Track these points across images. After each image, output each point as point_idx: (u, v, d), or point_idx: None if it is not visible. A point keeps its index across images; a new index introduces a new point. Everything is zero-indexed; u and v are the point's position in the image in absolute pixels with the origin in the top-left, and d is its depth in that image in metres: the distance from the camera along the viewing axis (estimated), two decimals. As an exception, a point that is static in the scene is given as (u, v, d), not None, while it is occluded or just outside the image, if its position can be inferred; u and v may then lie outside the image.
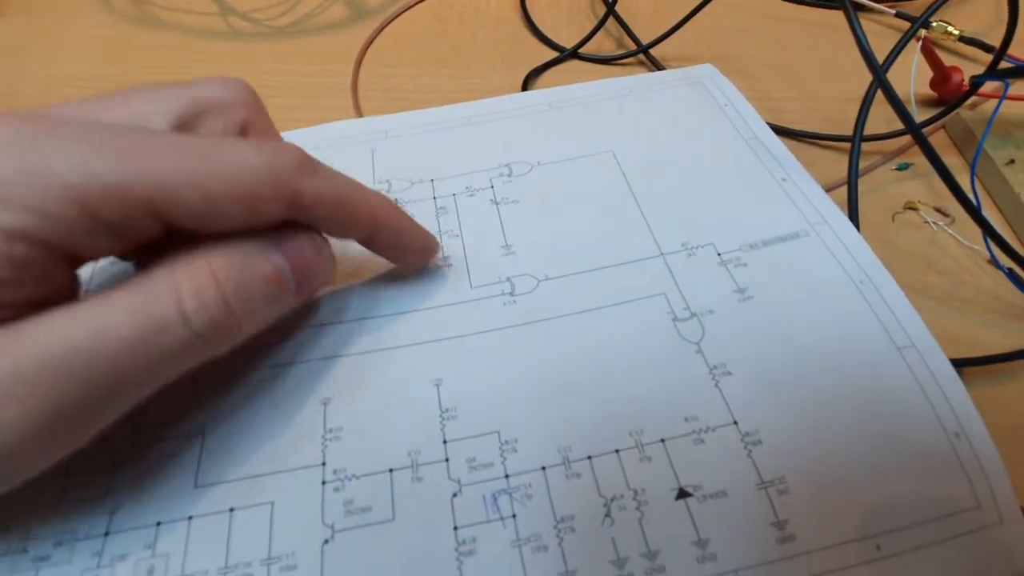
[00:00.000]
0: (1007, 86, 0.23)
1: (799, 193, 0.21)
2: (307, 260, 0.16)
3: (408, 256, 0.19)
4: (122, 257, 0.14)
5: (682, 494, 0.15)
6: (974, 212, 0.20)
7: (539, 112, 0.26)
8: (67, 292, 0.14)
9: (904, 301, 0.19)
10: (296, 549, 0.15)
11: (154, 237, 0.14)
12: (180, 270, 0.13)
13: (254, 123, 0.16)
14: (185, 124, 0.15)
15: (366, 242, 0.18)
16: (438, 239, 0.21)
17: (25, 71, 0.33)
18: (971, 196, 0.23)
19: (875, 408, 0.17)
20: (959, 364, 0.21)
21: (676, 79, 0.27)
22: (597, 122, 0.25)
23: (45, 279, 0.13)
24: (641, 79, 0.28)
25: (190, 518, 0.16)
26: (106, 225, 0.12)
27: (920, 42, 0.27)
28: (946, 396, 0.17)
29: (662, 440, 0.16)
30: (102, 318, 0.12)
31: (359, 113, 0.30)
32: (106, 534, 0.15)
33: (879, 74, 0.19)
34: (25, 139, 0.12)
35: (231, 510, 0.16)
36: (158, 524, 0.15)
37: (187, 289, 0.13)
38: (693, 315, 0.19)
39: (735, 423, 0.16)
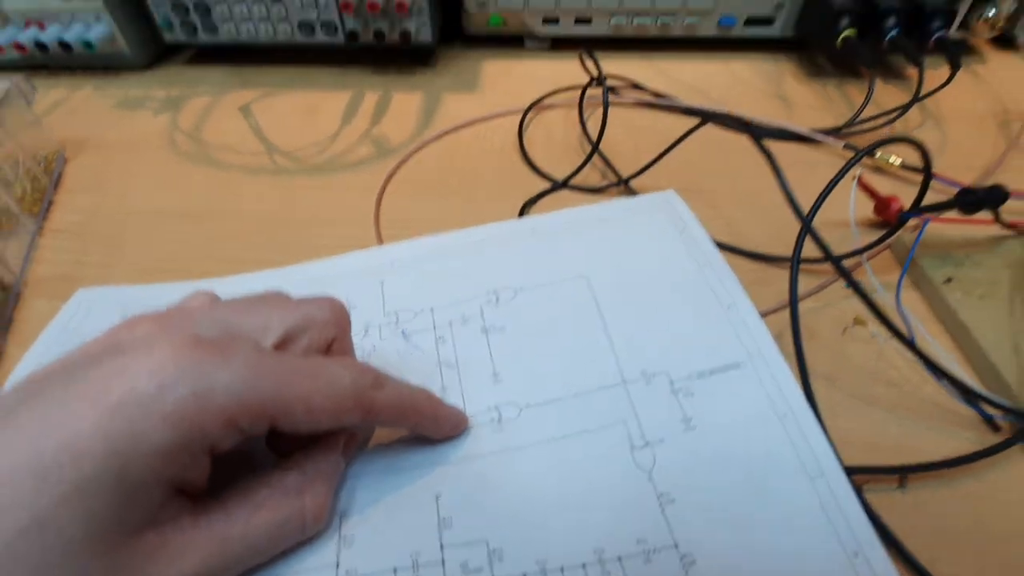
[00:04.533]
0: (925, 223, 0.27)
1: (741, 322, 0.25)
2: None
3: (443, 435, 0.23)
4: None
5: None
6: (899, 335, 0.23)
7: (523, 238, 0.31)
8: (205, 469, 0.18)
9: (819, 434, 0.22)
10: None
11: (259, 435, 0.18)
12: (308, 500, 0.19)
13: (338, 340, 0.21)
14: (291, 334, 0.20)
15: (412, 429, 0.22)
16: (439, 372, 0.25)
17: (101, 204, 0.39)
18: (899, 318, 0.26)
19: (788, 531, 0.20)
20: (904, 471, 0.23)
21: (642, 205, 0.32)
22: (573, 248, 0.30)
23: (194, 467, 0.17)
24: (611, 206, 0.32)
25: None
26: (239, 430, 0.17)
27: (856, 180, 0.31)
28: (848, 520, 0.20)
29: (619, 558, 0.20)
30: (251, 538, 0.18)
31: (380, 240, 0.35)
32: None
33: (805, 222, 0.24)
34: (197, 366, 0.16)
35: None
36: None
37: (310, 515, 0.19)
38: (647, 444, 0.22)
39: (675, 546, 0.20)
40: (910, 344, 0.23)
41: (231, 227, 0.36)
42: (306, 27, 0.47)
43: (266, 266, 0.32)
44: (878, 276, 0.31)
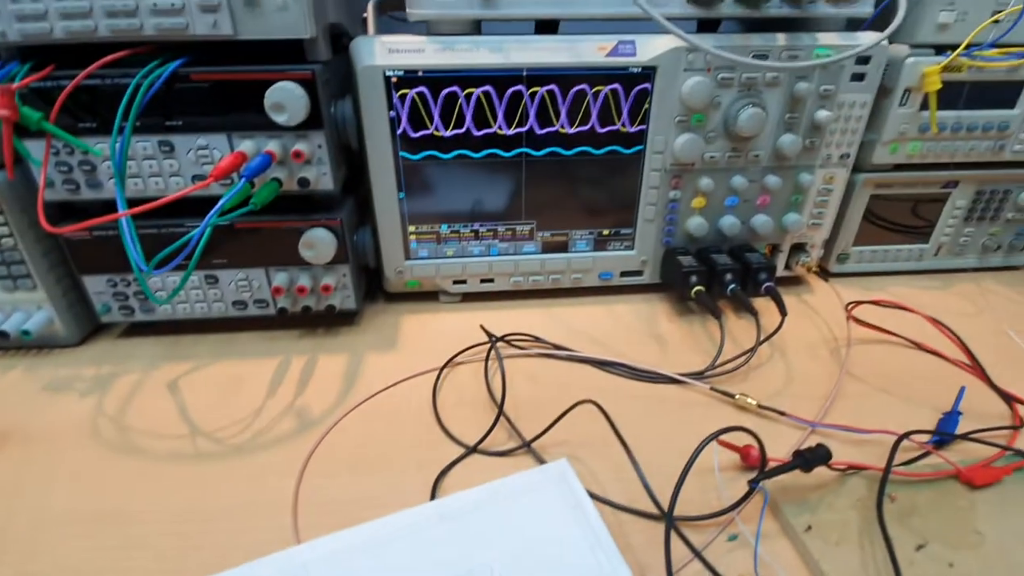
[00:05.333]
0: (767, 497, 0.32)
1: None
2: None
3: None
4: None
5: None
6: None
7: (433, 526, 0.33)
8: None
9: None
10: None
11: None
12: None
13: None
14: None
15: None
16: None
17: (15, 509, 0.38)
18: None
19: None
20: None
21: (539, 480, 0.36)
22: (477, 535, 0.32)
23: None
24: (512, 482, 0.36)
25: None
26: None
27: (715, 441, 0.37)
28: None
29: None
30: None
31: (296, 531, 0.36)
32: None
33: (667, 518, 0.28)
34: None
35: None
36: None
37: None
38: None
39: None
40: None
41: (146, 529, 0.36)
42: (240, 304, 0.53)
43: (177, 579, 0.32)
44: (752, 525, 0.35)
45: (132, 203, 0.41)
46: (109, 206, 0.43)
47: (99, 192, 0.46)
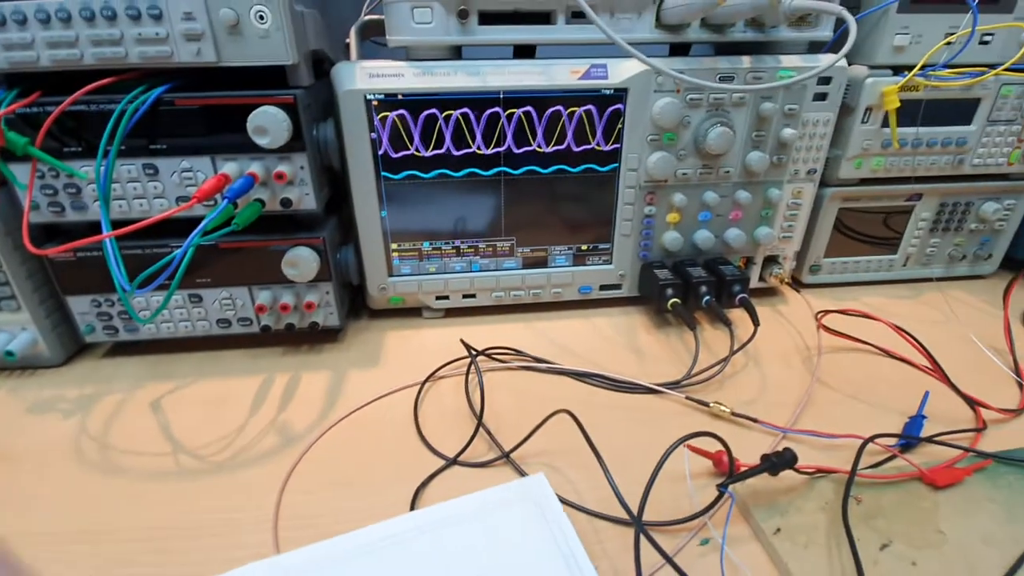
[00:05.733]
0: (733, 499, 0.33)
1: None
2: None
3: None
4: None
5: None
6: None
7: (411, 537, 0.34)
8: None
9: None
10: None
11: None
12: None
13: None
14: None
15: None
16: None
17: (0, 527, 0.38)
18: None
19: None
20: None
21: (515, 493, 0.37)
22: (455, 547, 0.33)
23: None
24: (489, 495, 0.37)
25: None
26: None
27: (686, 448, 0.38)
28: None
29: None
30: None
31: (277, 546, 0.36)
32: None
33: (637, 523, 0.29)
34: None
35: None
36: None
37: None
38: None
39: None
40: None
41: (126, 547, 0.36)
42: (223, 322, 0.54)
43: (156, 596, 0.32)
44: (731, 526, 0.36)
45: (116, 224, 0.42)
46: (94, 227, 0.44)
47: (84, 214, 0.47)
